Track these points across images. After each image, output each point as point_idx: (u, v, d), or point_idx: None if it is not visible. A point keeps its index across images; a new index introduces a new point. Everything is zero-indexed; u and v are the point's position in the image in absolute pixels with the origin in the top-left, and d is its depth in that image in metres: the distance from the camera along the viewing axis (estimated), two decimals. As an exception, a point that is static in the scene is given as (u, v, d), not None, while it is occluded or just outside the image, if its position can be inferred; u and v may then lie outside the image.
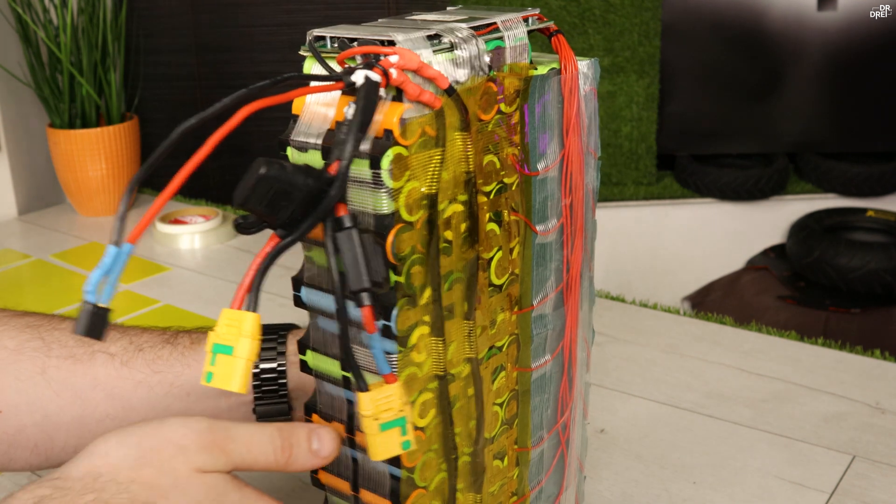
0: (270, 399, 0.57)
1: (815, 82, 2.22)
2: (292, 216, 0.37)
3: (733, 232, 2.24)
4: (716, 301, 1.99)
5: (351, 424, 0.45)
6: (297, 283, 0.45)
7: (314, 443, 0.44)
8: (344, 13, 1.68)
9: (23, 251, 1.24)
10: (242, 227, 0.40)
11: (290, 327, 0.61)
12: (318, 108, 0.42)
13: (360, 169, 0.40)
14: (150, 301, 1.06)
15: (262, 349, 0.57)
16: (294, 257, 0.45)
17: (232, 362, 0.37)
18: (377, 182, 0.39)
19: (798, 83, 2.21)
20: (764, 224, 2.21)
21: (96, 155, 1.33)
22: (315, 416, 0.46)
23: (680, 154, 2.27)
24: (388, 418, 0.39)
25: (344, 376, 0.44)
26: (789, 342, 0.92)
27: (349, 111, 0.39)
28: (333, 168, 0.37)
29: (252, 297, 0.38)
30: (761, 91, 2.21)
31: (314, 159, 0.41)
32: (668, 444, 0.75)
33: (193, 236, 1.23)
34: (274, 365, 0.57)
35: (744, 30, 2.19)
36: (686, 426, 0.78)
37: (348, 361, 0.39)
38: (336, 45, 0.42)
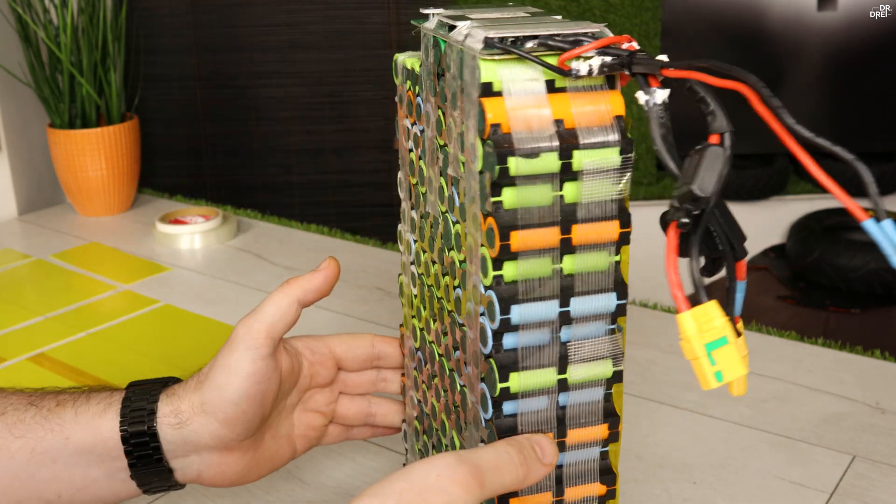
0: (145, 464, 0.54)
1: (814, 82, 2.22)
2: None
3: (733, 232, 2.23)
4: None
5: (561, 429, 0.46)
6: (506, 303, 0.43)
7: (538, 451, 0.44)
8: (344, 13, 1.68)
9: (23, 251, 1.24)
10: (681, 219, 0.39)
11: (163, 383, 0.57)
12: (528, 112, 0.41)
13: (609, 157, 0.41)
14: (151, 301, 1.06)
15: (132, 410, 0.54)
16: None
17: (730, 350, 0.38)
18: (625, 167, 0.41)
19: (798, 83, 2.21)
20: (764, 224, 2.22)
21: (96, 155, 1.33)
22: None
23: (680, 154, 2.27)
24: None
25: (559, 379, 0.45)
26: (789, 342, 0.92)
27: (661, 93, 0.40)
28: (715, 138, 0.39)
29: (697, 286, 0.39)
30: (761, 91, 2.21)
31: (547, 163, 0.41)
32: (668, 444, 0.75)
33: (193, 236, 1.23)
34: (144, 427, 0.54)
35: (744, 30, 2.19)
36: (686, 426, 0.78)
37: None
38: (533, 44, 0.42)
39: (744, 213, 2.24)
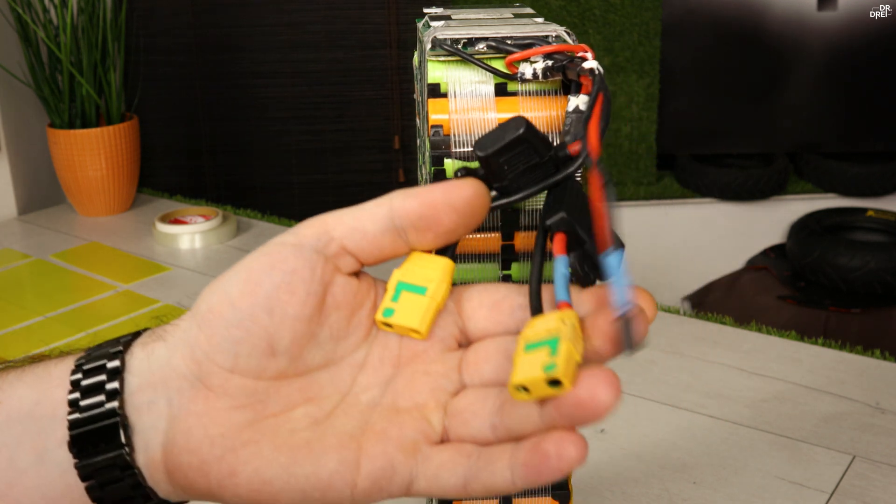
0: (91, 420, 0.34)
1: (814, 82, 2.22)
2: (512, 181, 0.36)
3: (733, 232, 2.24)
4: (716, 301, 1.99)
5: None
6: None
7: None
8: (344, 13, 1.68)
9: (23, 251, 1.24)
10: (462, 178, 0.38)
11: (123, 343, 0.36)
12: (472, 115, 0.41)
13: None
14: (151, 301, 1.06)
15: (91, 359, 0.36)
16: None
17: (419, 301, 0.35)
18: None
19: (798, 83, 2.21)
20: (764, 224, 2.22)
21: (96, 155, 1.33)
22: None
23: (680, 154, 2.27)
24: (536, 339, 0.33)
25: None
26: (789, 342, 0.92)
27: (577, 101, 0.38)
28: (575, 147, 0.36)
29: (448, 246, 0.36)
30: (761, 91, 2.21)
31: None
32: (668, 444, 0.75)
33: (193, 236, 1.23)
34: (103, 367, 0.35)
35: (744, 30, 2.19)
36: (686, 426, 0.78)
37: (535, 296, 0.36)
38: (482, 45, 0.41)
39: (744, 213, 2.25)
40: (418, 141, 0.53)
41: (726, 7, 2.18)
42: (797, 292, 1.93)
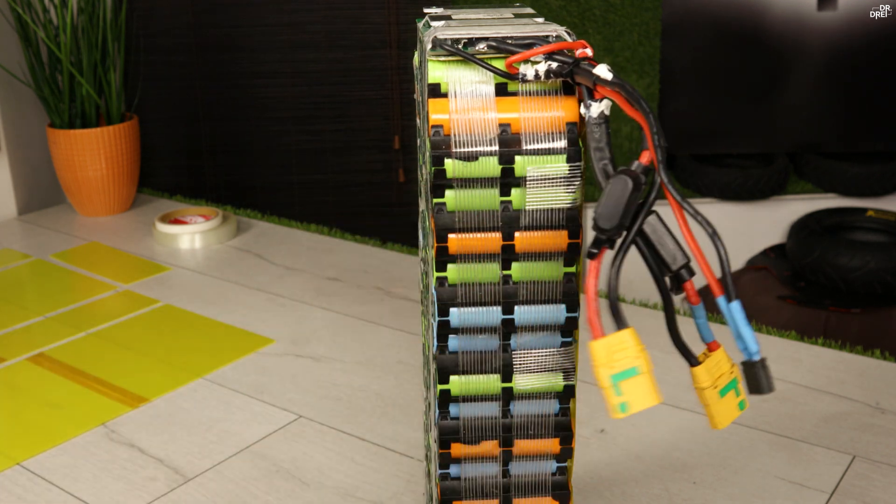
0: None
1: (814, 82, 2.22)
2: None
3: (733, 232, 2.23)
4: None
5: (507, 438, 0.45)
6: (445, 305, 0.43)
7: None
8: (344, 13, 1.68)
9: (23, 251, 1.24)
10: (589, 249, 0.38)
11: None
12: (472, 115, 0.41)
13: (556, 164, 0.40)
14: (151, 301, 1.06)
15: None
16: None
17: (639, 381, 0.37)
18: (573, 176, 0.40)
19: (798, 83, 2.21)
20: (764, 224, 2.21)
21: (96, 155, 1.33)
22: (456, 446, 0.46)
23: (680, 154, 2.27)
24: (723, 384, 0.39)
25: (504, 388, 0.44)
26: (789, 342, 0.92)
27: (601, 107, 0.38)
28: (645, 158, 0.37)
29: (615, 315, 0.38)
30: (761, 91, 2.21)
31: (487, 167, 0.41)
32: (668, 444, 0.75)
33: (193, 236, 1.23)
34: None
35: (744, 30, 2.18)
36: (686, 426, 0.78)
37: (677, 340, 0.39)
38: (483, 45, 0.41)
39: (744, 213, 2.25)
40: (418, 141, 0.53)
41: (726, 7, 2.18)
42: (797, 292, 1.93)
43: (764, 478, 0.70)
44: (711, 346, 0.39)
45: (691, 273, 0.38)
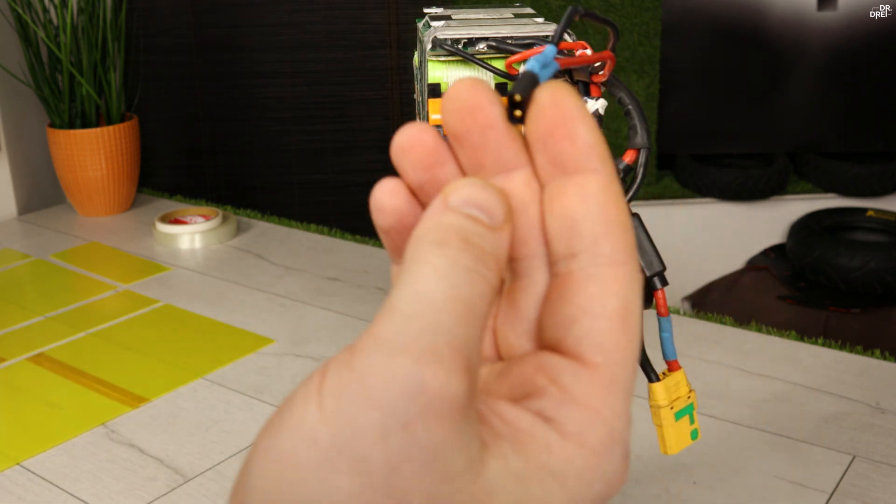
0: None
1: (814, 82, 2.22)
2: None
3: (733, 232, 2.23)
4: (716, 301, 1.99)
5: None
6: None
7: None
8: (344, 13, 1.67)
9: (23, 251, 1.24)
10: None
11: None
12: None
13: None
14: (151, 301, 1.06)
15: None
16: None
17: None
18: None
19: (798, 83, 2.21)
20: (764, 224, 2.21)
21: (96, 155, 1.33)
22: None
23: (680, 154, 2.27)
24: (680, 406, 0.38)
25: None
26: (789, 342, 0.92)
27: (597, 105, 0.38)
28: (630, 157, 0.36)
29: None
30: (761, 91, 2.21)
31: None
32: (668, 444, 0.75)
33: (193, 236, 1.23)
34: None
35: (744, 30, 2.18)
36: (686, 426, 0.78)
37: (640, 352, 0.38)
38: (483, 45, 0.41)
39: (744, 213, 2.25)
40: None
41: (726, 7, 2.18)
42: (797, 292, 1.93)
43: (764, 478, 0.70)
44: (672, 366, 0.38)
45: (664, 283, 0.38)
